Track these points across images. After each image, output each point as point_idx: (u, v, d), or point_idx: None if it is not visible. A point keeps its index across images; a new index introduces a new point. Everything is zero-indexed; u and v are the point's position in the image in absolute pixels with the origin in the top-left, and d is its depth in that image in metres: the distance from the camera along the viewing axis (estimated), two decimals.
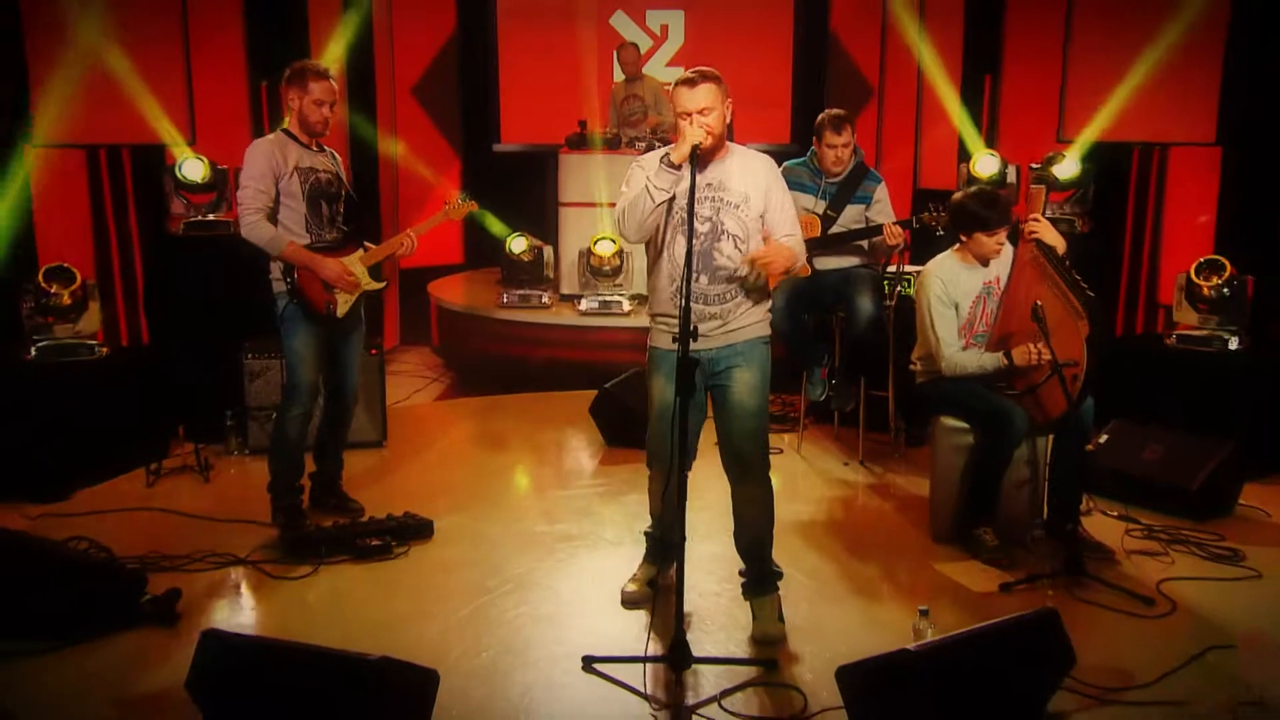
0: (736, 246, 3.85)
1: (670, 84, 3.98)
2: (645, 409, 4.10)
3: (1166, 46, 6.82)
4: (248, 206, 4.67)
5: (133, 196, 6.84)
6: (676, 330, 3.65)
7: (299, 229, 4.77)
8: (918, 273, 6.01)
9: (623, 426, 6.07)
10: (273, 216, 4.72)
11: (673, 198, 3.76)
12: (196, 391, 6.26)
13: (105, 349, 6.03)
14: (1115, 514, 5.13)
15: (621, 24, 9.53)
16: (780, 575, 4.11)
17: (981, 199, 4.70)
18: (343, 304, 4.87)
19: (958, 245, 4.81)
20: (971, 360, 4.70)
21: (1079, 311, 4.60)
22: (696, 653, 3.66)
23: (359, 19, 8.01)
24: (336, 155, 5.00)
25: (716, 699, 3.55)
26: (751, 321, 3.94)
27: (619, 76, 8.98)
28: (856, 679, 3.31)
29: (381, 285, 5.01)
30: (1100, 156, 7.01)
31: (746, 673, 3.74)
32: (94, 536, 4.74)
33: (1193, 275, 5.95)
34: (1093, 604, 4.27)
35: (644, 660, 3.69)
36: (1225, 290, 5.90)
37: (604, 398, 6.26)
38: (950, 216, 4.81)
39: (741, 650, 3.94)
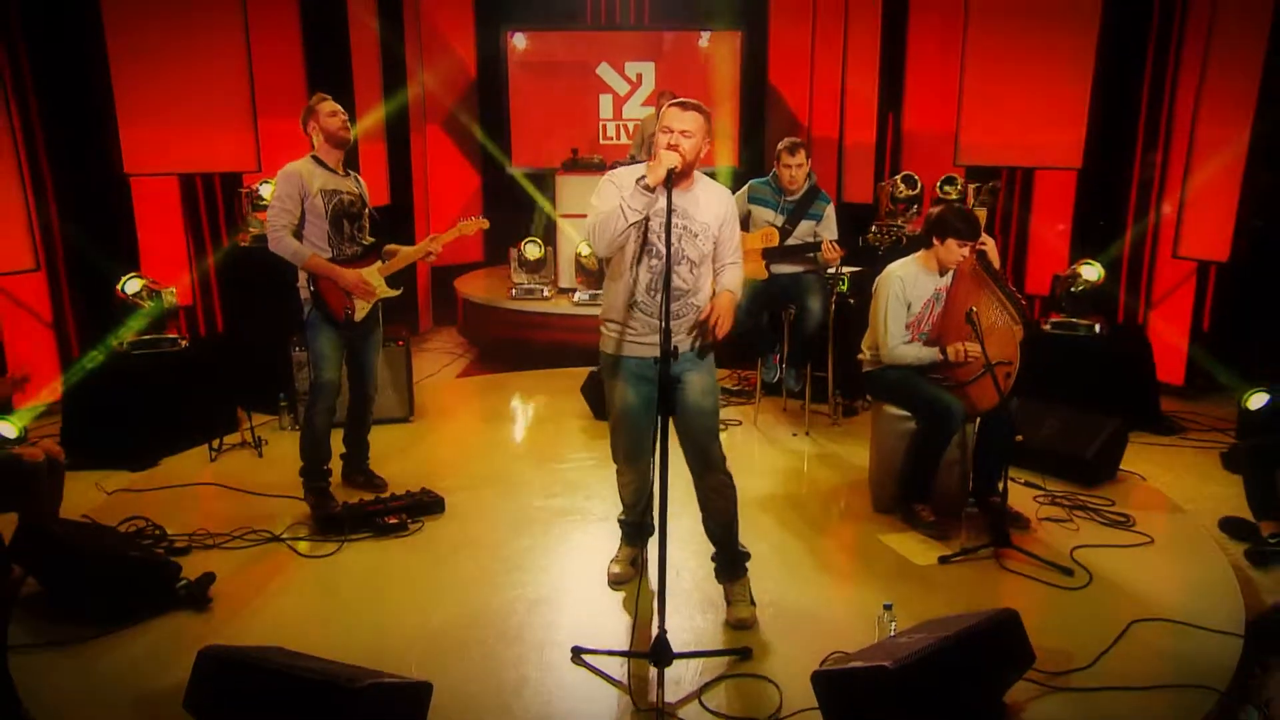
0: (691, 270, 2.97)
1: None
2: None
3: (1042, 89, 6.09)
4: (274, 224, 3.75)
5: (223, 215, 6.04)
6: (626, 336, 3.01)
7: (322, 243, 3.83)
8: (853, 273, 5.15)
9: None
10: (298, 232, 3.79)
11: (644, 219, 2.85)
12: (258, 377, 5.28)
13: (184, 341, 5.08)
14: (1023, 480, 4.26)
15: (605, 73, 8.52)
16: (748, 556, 3.21)
17: (960, 214, 3.75)
18: (360, 310, 3.92)
19: (924, 250, 3.85)
20: (910, 352, 3.81)
21: (1015, 318, 3.69)
22: (676, 630, 2.84)
23: (397, 69, 7.07)
24: (361, 180, 4.02)
25: (697, 695, 2.68)
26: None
27: (644, 113, 8.14)
28: (831, 687, 2.44)
29: (396, 292, 4.00)
30: (981, 177, 6.27)
31: (724, 660, 2.85)
32: (152, 515, 3.86)
33: (1072, 273, 5.18)
34: (1020, 574, 3.44)
35: (628, 655, 2.79)
36: (1093, 286, 5.13)
37: (593, 380, 5.33)
38: (932, 222, 3.82)
39: (717, 630, 3.07)
